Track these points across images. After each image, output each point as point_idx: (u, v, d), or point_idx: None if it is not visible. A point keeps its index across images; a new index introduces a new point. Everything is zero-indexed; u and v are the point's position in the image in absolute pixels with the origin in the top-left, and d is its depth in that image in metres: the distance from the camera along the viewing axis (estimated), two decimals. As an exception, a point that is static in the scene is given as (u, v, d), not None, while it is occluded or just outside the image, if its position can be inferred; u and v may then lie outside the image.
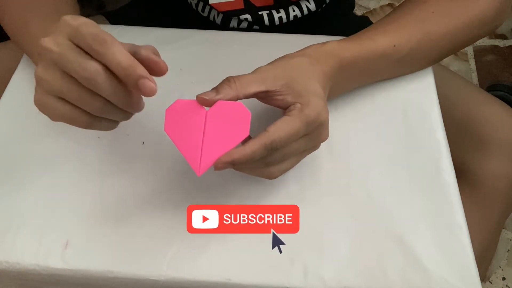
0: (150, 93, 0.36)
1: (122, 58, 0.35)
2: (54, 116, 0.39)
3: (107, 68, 0.36)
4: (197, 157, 0.39)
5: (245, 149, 0.38)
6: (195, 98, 0.40)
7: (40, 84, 0.37)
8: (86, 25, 0.35)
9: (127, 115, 0.40)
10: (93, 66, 0.35)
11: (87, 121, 0.38)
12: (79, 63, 0.35)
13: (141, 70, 0.36)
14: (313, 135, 0.41)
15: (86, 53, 0.36)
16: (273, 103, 0.42)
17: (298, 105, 0.40)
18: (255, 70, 0.42)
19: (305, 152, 0.42)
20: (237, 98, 0.40)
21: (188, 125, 0.39)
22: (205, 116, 0.39)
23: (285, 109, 0.41)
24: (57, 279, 0.43)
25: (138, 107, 0.39)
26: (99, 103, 0.37)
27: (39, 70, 0.37)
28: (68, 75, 0.36)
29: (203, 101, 0.39)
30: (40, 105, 0.38)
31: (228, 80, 0.40)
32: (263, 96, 0.41)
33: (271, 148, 0.38)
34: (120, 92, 0.36)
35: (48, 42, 0.36)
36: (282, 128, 0.38)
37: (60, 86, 0.36)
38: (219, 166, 0.38)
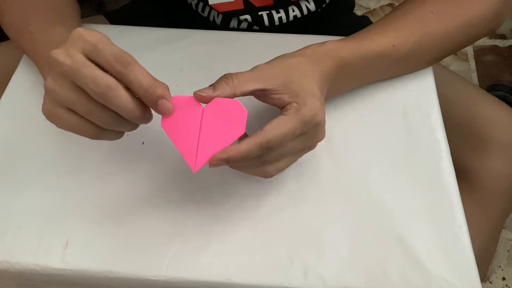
0: (167, 113, 0.38)
1: (144, 80, 0.37)
2: (61, 125, 0.39)
3: (119, 83, 0.36)
4: (193, 153, 0.39)
5: (241, 146, 0.38)
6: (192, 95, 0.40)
7: (49, 94, 0.38)
8: (104, 43, 0.36)
9: (135, 126, 0.40)
10: (106, 81, 0.36)
11: (95, 133, 0.39)
12: (92, 78, 0.35)
13: (161, 91, 0.37)
14: (309, 135, 0.41)
15: (98, 66, 0.36)
16: (270, 102, 0.42)
17: (295, 104, 0.40)
18: (253, 68, 0.42)
19: (301, 151, 0.42)
20: (234, 96, 0.40)
21: (185, 122, 0.39)
22: (201, 113, 0.40)
23: (282, 108, 0.41)
24: (57, 279, 0.43)
25: (148, 119, 0.39)
26: (109, 116, 0.37)
27: (49, 80, 0.37)
28: (79, 88, 0.36)
29: (200, 98, 0.39)
30: (48, 115, 0.39)
31: (225, 77, 0.40)
32: (261, 95, 0.42)
33: (267, 147, 0.38)
34: (130, 107, 0.37)
35: (60, 54, 0.36)
36: (278, 127, 0.38)
37: (70, 98, 0.37)
38: (214, 162, 0.38)
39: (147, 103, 0.38)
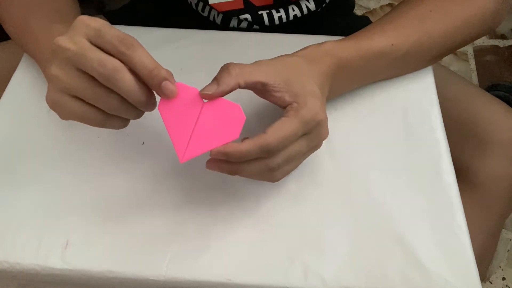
0: (171, 95, 0.39)
1: (147, 61, 0.37)
2: (66, 114, 0.39)
3: (125, 66, 0.36)
4: (183, 144, 0.39)
5: (241, 146, 0.38)
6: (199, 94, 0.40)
7: (53, 82, 0.38)
8: (107, 27, 0.36)
9: (140, 113, 0.40)
10: (112, 63, 0.36)
11: (100, 119, 0.39)
12: (98, 61, 0.36)
13: (164, 72, 0.37)
14: (313, 134, 0.41)
15: (103, 52, 0.36)
16: (271, 99, 0.42)
17: (295, 104, 0.40)
18: (255, 62, 0.42)
19: (308, 152, 0.43)
20: (238, 86, 0.40)
21: (183, 111, 0.39)
22: (201, 107, 0.40)
23: (282, 107, 0.41)
24: (57, 279, 0.43)
25: (153, 105, 0.39)
26: (115, 101, 0.37)
27: (53, 68, 0.37)
28: (84, 73, 0.37)
29: (207, 96, 0.40)
30: (53, 103, 0.39)
31: (226, 68, 0.41)
32: (261, 90, 0.42)
33: (268, 150, 0.38)
34: (136, 90, 0.37)
35: (64, 41, 0.36)
36: (279, 130, 0.39)
37: (76, 84, 0.37)
38: (214, 154, 0.38)
39: (150, 85, 0.38)
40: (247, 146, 0.38)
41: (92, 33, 0.36)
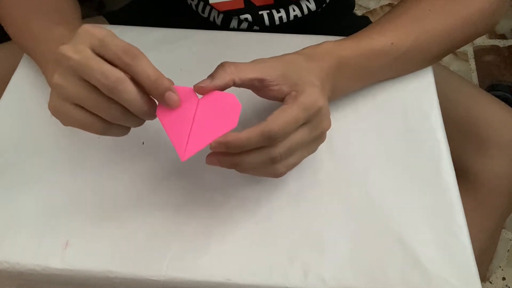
0: (175, 104, 0.39)
1: (151, 71, 0.37)
2: (68, 121, 0.39)
3: (127, 77, 0.37)
4: (183, 142, 0.39)
5: (241, 134, 0.38)
6: (192, 87, 0.40)
7: (56, 90, 0.38)
8: (111, 37, 0.37)
9: (141, 122, 0.40)
10: (115, 74, 0.36)
11: (102, 128, 0.39)
12: (102, 71, 0.36)
13: (167, 83, 0.38)
14: (313, 123, 0.40)
15: (107, 61, 0.36)
16: (269, 94, 0.42)
17: (294, 93, 0.40)
18: (252, 60, 0.43)
19: (310, 144, 0.42)
20: (233, 82, 0.40)
21: (180, 111, 0.40)
22: (197, 104, 0.40)
23: (282, 100, 0.41)
24: (57, 279, 0.43)
25: (153, 116, 0.40)
26: (117, 110, 0.38)
27: (56, 76, 0.37)
28: (87, 83, 0.37)
29: (200, 89, 0.40)
30: (55, 111, 0.39)
31: (222, 65, 0.41)
32: (259, 87, 0.41)
33: (269, 136, 0.38)
34: (138, 100, 0.37)
35: (68, 50, 0.37)
36: (280, 116, 0.38)
37: (78, 93, 0.37)
38: (214, 146, 0.38)
39: (154, 95, 0.38)
40: (248, 133, 0.38)
41: (96, 43, 0.37)
